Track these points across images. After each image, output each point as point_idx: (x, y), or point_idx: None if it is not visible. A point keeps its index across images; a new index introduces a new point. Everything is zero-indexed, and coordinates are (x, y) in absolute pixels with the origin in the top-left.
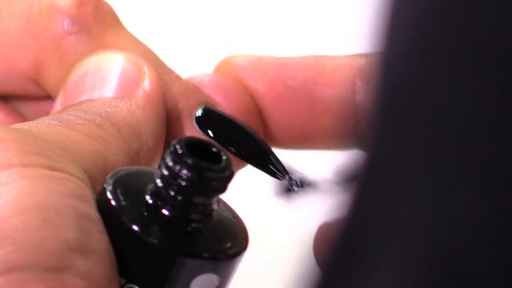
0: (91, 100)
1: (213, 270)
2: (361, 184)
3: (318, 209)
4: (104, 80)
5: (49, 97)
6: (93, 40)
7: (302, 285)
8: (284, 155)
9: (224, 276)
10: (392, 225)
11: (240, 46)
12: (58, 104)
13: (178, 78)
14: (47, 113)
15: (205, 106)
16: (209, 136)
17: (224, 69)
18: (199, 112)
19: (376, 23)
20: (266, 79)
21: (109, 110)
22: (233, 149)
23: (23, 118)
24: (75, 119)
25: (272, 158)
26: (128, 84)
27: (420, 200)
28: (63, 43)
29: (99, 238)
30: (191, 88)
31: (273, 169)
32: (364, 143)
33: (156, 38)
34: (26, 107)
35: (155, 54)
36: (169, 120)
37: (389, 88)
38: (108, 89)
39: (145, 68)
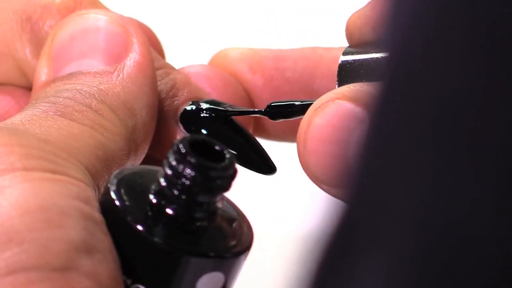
0: (82, 73)
1: (219, 269)
2: (358, 174)
3: (316, 210)
4: (92, 45)
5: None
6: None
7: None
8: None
9: (230, 274)
10: (387, 217)
11: (234, 38)
12: (43, 70)
13: (167, 72)
14: None
15: (192, 102)
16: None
17: (219, 61)
18: (184, 111)
19: (379, 13)
20: (264, 72)
21: (102, 88)
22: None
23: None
24: (72, 105)
25: (258, 154)
26: (117, 51)
27: (420, 192)
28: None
29: (103, 239)
30: (180, 84)
31: (259, 165)
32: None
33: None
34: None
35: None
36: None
37: (392, 74)
38: (97, 57)
39: (132, 30)
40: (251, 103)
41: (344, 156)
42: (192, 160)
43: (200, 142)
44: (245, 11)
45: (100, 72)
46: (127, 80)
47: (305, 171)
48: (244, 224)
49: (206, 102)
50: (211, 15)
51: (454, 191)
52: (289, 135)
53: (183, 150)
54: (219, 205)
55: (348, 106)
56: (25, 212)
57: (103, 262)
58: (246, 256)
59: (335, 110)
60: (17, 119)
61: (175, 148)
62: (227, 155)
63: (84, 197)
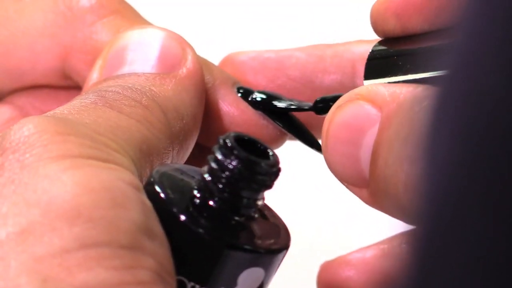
0: (135, 74)
1: (260, 264)
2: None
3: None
4: (147, 55)
5: (72, 87)
6: (122, 22)
7: None
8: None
9: (269, 271)
10: None
11: (242, 40)
12: (95, 73)
13: (211, 63)
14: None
15: (239, 85)
16: (254, 105)
17: (226, 66)
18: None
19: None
20: (267, 72)
21: (154, 89)
22: (278, 122)
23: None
24: (121, 99)
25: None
26: (171, 62)
27: None
28: (92, 30)
29: (158, 225)
30: (224, 71)
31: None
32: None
33: None
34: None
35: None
36: (209, 93)
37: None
38: (150, 64)
39: (187, 47)
40: None
41: (357, 157)
42: (239, 154)
43: (245, 140)
44: (250, 12)
45: (153, 75)
46: (180, 88)
47: (328, 168)
48: (281, 224)
49: (261, 93)
50: (217, 21)
51: None
52: None
53: (229, 144)
54: (260, 203)
55: (365, 107)
56: (90, 191)
57: (162, 246)
58: (285, 254)
59: (353, 111)
60: (65, 109)
61: (221, 142)
62: (271, 153)
63: (136, 185)
